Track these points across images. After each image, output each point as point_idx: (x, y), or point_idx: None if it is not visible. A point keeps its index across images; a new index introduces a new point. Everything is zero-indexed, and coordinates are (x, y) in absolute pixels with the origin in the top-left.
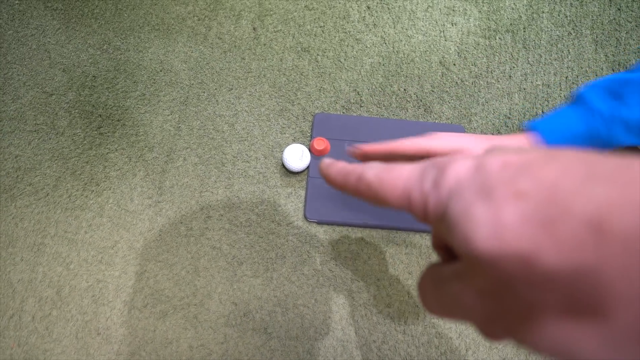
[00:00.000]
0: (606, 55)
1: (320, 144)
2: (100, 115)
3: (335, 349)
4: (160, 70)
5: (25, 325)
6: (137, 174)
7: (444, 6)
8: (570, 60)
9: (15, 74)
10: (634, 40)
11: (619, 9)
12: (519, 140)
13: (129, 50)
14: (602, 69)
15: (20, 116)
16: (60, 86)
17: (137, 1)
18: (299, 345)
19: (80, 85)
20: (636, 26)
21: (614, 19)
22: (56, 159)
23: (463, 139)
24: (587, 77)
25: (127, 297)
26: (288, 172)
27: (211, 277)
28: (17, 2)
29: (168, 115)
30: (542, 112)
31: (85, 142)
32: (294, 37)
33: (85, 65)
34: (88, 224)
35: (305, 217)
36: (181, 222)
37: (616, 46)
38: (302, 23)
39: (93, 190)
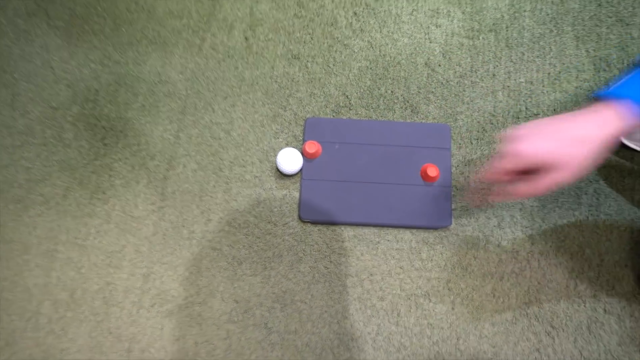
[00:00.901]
0: (587, 51)
1: (312, 147)
2: (103, 127)
3: (332, 341)
4: (159, 82)
5: (42, 327)
6: (140, 181)
7: (428, 9)
8: (552, 57)
9: (23, 90)
10: (614, 35)
11: (599, 5)
12: (604, 114)
13: (129, 64)
14: (583, 64)
15: (29, 130)
16: (66, 101)
17: (134, 16)
18: (298, 338)
19: (84, 99)
20: (616, 21)
21: (595, 14)
22: (64, 170)
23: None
24: (569, 73)
25: (136, 297)
26: (282, 175)
27: (213, 276)
28: (22, 21)
29: (167, 124)
30: (526, 108)
31: (90, 153)
32: (284, 44)
33: (88, 80)
34: (96, 230)
35: (300, 218)
36: (183, 226)
37: (597, 41)
38: (291, 31)
39: (100, 198)
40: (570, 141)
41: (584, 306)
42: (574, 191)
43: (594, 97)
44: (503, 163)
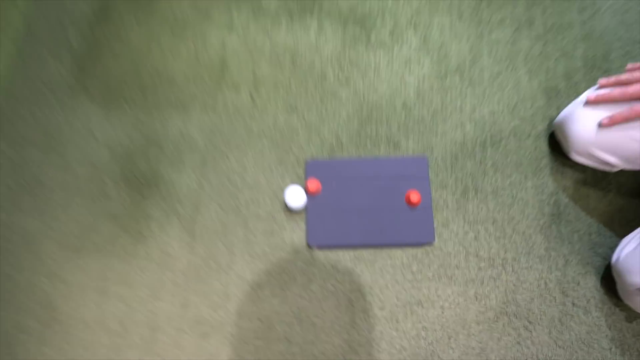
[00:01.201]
0: (539, 82)
1: (313, 185)
2: (139, 181)
3: (342, 348)
4: (181, 139)
5: (99, 354)
6: (173, 224)
7: (402, 58)
8: (509, 90)
9: (70, 154)
10: (560, 67)
11: (546, 43)
12: None
13: (155, 125)
14: (536, 94)
15: (78, 188)
16: (107, 161)
17: (157, 84)
18: (314, 348)
19: (121, 158)
20: (561, 56)
21: (542, 51)
22: (110, 220)
23: None
24: (525, 103)
25: (176, 323)
26: (290, 210)
27: (239, 300)
28: (65, 96)
29: (191, 174)
30: (491, 136)
31: (130, 203)
32: (283, 99)
33: (124, 142)
34: (139, 268)
35: (308, 245)
36: (211, 259)
37: (546, 73)
38: (288, 87)
39: (140, 241)
40: None
41: (555, 302)
42: (538, 204)
43: None
44: None
